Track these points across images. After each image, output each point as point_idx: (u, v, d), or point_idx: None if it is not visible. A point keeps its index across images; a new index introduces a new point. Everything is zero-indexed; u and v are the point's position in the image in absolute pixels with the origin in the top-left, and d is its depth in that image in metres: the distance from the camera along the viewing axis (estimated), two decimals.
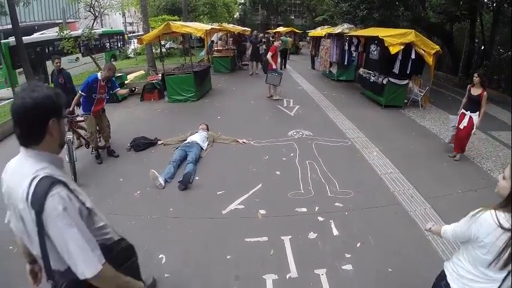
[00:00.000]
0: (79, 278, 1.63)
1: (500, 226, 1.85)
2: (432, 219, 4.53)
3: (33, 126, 1.66)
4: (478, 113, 6.35)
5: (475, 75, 6.40)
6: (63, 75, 6.61)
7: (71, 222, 1.60)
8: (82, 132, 6.75)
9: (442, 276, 2.31)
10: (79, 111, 6.64)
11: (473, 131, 6.47)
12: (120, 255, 2.00)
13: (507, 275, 1.99)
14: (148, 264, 3.84)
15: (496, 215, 1.88)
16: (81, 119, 6.48)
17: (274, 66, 10.94)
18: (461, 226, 2.10)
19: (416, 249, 4.00)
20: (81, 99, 6.29)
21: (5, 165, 1.79)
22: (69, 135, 5.98)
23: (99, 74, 6.31)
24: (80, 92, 6.21)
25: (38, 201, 1.56)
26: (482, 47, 16.00)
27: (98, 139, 6.71)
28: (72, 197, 1.67)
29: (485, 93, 6.22)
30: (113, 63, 6.58)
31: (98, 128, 6.61)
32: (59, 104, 1.71)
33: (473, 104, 6.35)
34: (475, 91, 6.32)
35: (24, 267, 3.90)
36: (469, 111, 6.42)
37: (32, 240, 1.69)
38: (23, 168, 1.68)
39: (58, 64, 6.47)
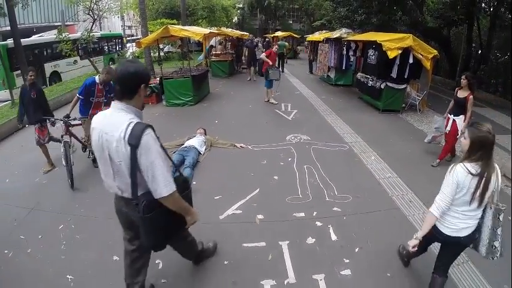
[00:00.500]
0: (155, 197, 2.36)
1: (469, 172, 2.61)
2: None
3: (130, 86, 2.35)
4: (462, 116, 6.14)
5: (463, 77, 6.17)
6: (36, 90, 6.24)
7: (158, 155, 2.31)
8: (79, 136, 6.59)
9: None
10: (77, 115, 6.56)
11: (458, 136, 6.22)
12: (180, 186, 2.55)
13: (483, 213, 2.82)
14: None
15: (464, 165, 2.64)
16: (78, 122, 6.35)
17: (271, 63, 10.95)
18: (446, 185, 2.72)
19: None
20: (78, 103, 6.24)
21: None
22: (67, 138, 5.89)
23: (97, 78, 6.25)
24: (77, 95, 6.17)
25: (135, 138, 2.22)
26: (480, 51, 16.08)
27: None
28: (157, 138, 2.35)
29: (471, 96, 6.00)
30: (112, 66, 6.23)
31: None
32: (149, 76, 2.49)
33: (458, 108, 6.18)
34: (461, 94, 6.14)
35: (18, 272, 3.87)
36: (452, 115, 6.29)
37: (120, 174, 2.42)
38: (119, 117, 2.33)
39: (32, 77, 6.09)
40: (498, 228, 2.78)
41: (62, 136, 5.90)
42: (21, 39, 13.05)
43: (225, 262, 3.87)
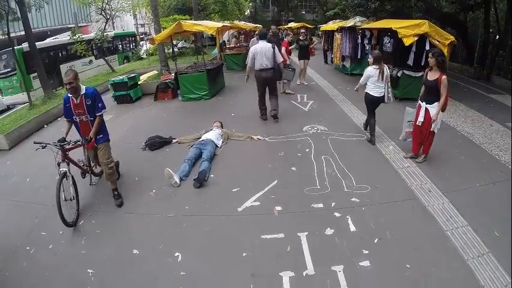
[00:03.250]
0: (277, 62, 7.96)
1: (375, 68, 6.43)
2: (450, 213, 4.44)
3: (265, 36, 8.27)
4: (436, 104, 5.41)
5: (430, 55, 5.41)
6: None
7: (279, 51, 8.21)
8: (75, 160, 5.25)
9: (365, 92, 6.74)
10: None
11: (432, 128, 5.56)
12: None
13: (385, 84, 6.48)
14: (165, 263, 3.86)
15: (372, 66, 6.52)
16: (78, 144, 5.03)
17: (288, 62, 10.78)
18: (364, 73, 6.64)
19: (434, 244, 3.93)
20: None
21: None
22: (64, 167, 4.73)
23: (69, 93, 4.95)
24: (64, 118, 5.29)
25: (273, 45, 7.90)
26: (497, 37, 15.59)
27: (94, 167, 5.76)
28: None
29: (444, 77, 5.22)
30: (73, 69, 4.51)
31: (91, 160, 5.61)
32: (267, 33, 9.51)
33: (431, 93, 5.45)
34: (432, 76, 5.41)
35: (40, 268, 3.95)
36: (424, 102, 5.61)
37: (266, 58, 7.80)
38: (265, 44, 7.90)
39: None
40: (389, 88, 6.56)
41: (58, 164, 4.72)
42: (36, 42, 13.22)
43: (244, 254, 3.90)
